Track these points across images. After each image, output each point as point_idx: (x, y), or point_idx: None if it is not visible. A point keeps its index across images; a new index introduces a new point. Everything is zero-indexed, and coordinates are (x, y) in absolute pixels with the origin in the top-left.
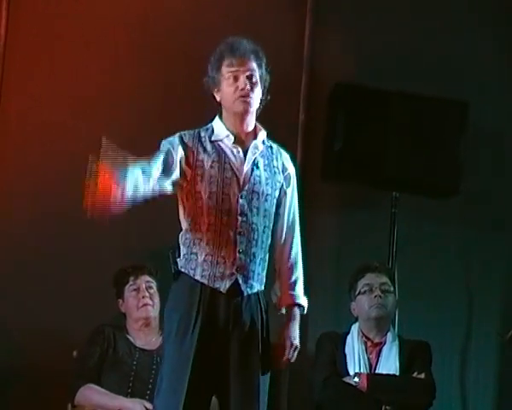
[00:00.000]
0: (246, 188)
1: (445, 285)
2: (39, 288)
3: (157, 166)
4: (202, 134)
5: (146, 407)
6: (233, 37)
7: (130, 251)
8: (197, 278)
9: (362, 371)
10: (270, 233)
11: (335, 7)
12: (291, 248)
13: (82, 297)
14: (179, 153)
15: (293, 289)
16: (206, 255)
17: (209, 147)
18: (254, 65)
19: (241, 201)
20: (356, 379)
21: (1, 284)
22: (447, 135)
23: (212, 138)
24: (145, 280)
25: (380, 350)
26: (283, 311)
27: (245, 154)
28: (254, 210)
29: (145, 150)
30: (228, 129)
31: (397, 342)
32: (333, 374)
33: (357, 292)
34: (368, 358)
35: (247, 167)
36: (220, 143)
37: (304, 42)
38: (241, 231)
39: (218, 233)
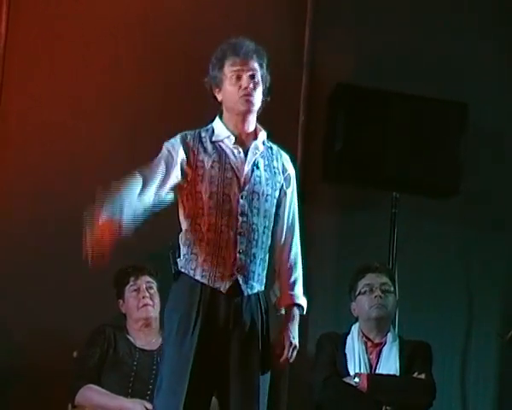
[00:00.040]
0: (246, 188)
1: (445, 285)
2: (39, 288)
3: (154, 181)
4: (203, 134)
5: (146, 408)
6: (235, 37)
7: (130, 251)
8: (197, 278)
9: (362, 371)
10: (270, 234)
11: (335, 7)
12: (290, 248)
13: (82, 297)
14: (180, 155)
15: (293, 290)
16: (206, 256)
17: (209, 147)
18: (256, 65)
19: (241, 201)
20: (356, 379)
21: (1, 284)
22: (447, 135)
23: (213, 139)
24: (145, 280)
25: (380, 350)
26: (283, 311)
27: (245, 154)
28: (255, 210)
29: (145, 150)
30: (228, 129)
31: (397, 342)
32: (333, 374)
33: (357, 292)
34: (368, 358)
35: (247, 168)
36: (221, 143)
37: (304, 42)
38: (242, 232)
39: (218, 233)
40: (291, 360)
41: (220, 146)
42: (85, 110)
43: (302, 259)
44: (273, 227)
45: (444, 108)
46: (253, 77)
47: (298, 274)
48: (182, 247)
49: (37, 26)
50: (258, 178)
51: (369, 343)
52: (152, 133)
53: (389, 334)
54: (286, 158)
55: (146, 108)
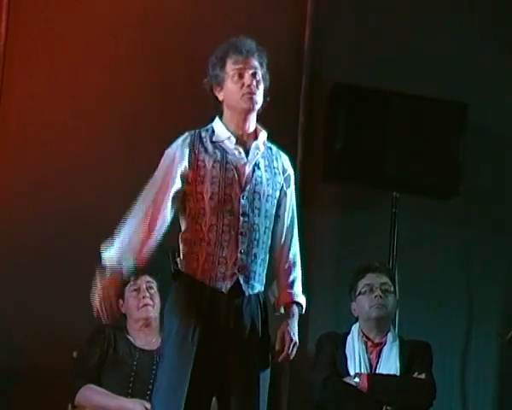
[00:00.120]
0: (247, 189)
1: (445, 285)
2: (39, 288)
3: (153, 214)
4: (203, 134)
5: (146, 408)
6: (235, 37)
7: None
8: (198, 278)
9: (362, 371)
10: (270, 234)
11: (335, 7)
12: (290, 248)
13: (82, 297)
14: (180, 165)
15: (292, 288)
16: (207, 255)
17: (210, 147)
18: (257, 63)
19: (242, 201)
20: (356, 379)
21: (1, 284)
22: (447, 135)
23: (213, 139)
24: (145, 280)
25: (380, 350)
26: (282, 310)
27: (246, 154)
28: (256, 211)
29: (145, 150)
30: (229, 130)
31: (397, 342)
32: (333, 374)
33: (357, 292)
34: (368, 358)
35: (248, 168)
36: (221, 143)
37: (304, 42)
38: (243, 232)
39: (219, 233)
40: (291, 357)
41: (221, 146)
42: (85, 110)
43: (302, 259)
44: (273, 227)
45: (444, 108)
46: (254, 75)
47: (297, 274)
48: (182, 246)
49: (37, 26)
50: (259, 179)
51: (370, 343)
52: (152, 133)
53: (389, 334)
54: (285, 158)
55: (146, 108)
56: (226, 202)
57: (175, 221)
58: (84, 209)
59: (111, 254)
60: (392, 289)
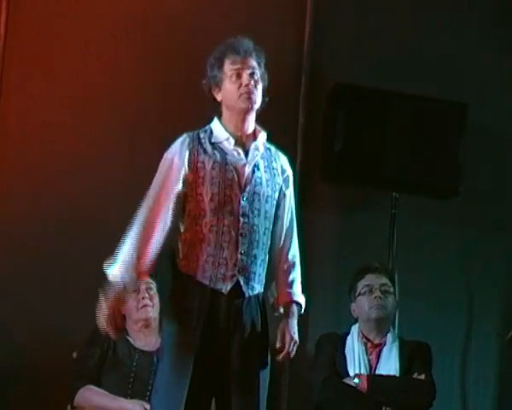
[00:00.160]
0: (247, 190)
1: (445, 286)
2: (39, 288)
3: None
4: (201, 135)
5: (145, 408)
6: (233, 37)
7: None
8: (198, 279)
9: (362, 372)
10: (269, 235)
11: (335, 7)
12: (289, 249)
13: (82, 297)
14: (180, 168)
15: (291, 288)
16: (207, 256)
17: (209, 148)
18: (255, 63)
19: (242, 202)
20: (356, 380)
21: (1, 284)
22: (447, 135)
23: (212, 140)
24: (145, 281)
25: (380, 351)
26: (281, 310)
27: (245, 155)
28: (255, 212)
29: (145, 150)
30: (228, 131)
31: (397, 343)
32: (332, 375)
33: (357, 293)
34: (368, 359)
35: (248, 169)
36: (220, 144)
37: (304, 42)
38: (243, 233)
39: (219, 234)
40: (291, 355)
41: (220, 147)
42: (85, 110)
43: (302, 259)
44: (272, 228)
45: (444, 108)
46: (252, 75)
47: (296, 274)
48: (181, 247)
49: (37, 25)
50: (258, 180)
51: (369, 344)
52: (152, 133)
53: (389, 335)
54: (284, 159)
55: (146, 108)
56: (226, 203)
57: (175, 222)
58: (84, 209)
59: (114, 271)
60: (391, 290)
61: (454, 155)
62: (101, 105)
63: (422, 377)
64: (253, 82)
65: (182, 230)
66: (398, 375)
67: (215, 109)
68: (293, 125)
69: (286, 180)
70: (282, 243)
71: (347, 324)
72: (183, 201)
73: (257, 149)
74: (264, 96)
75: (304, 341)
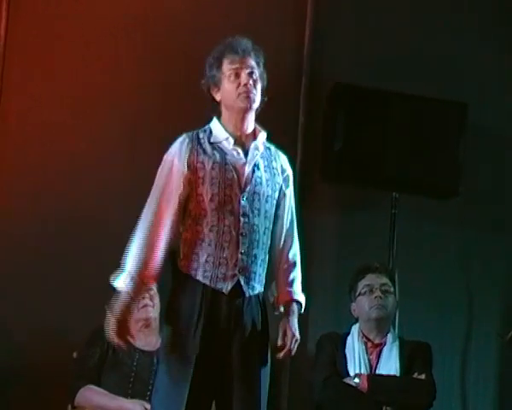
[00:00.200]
0: (247, 189)
1: (445, 286)
2: (39, 288)
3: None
4: (201, 135)
5: (146, 408)
6: (232, 37)
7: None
8: (199, 278)
9: (362, 371)
10: (270, 234)
11: (335, 7)
12: (289, 248)
13: (82, 297)
14: (181, 171)
15: (291, 287)
16: (208, 256)
17: (209, 148)
18: (254, 63)
19: (242, 202)
20: (356, 380)
21: (1, 284)
22: (447, 135)
23: (212, 140)
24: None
25: (380, 351)
26: (281, 309)
27: (245, 155)
28: (255, 211)
29: (145, 150)
30: (227, 131)
31: (397, 342)
32: (333, 374)
33: (357, 293)
34: (368, 359)
35: (248, 169)
36: (219, 144)
37: (304, 42)
38: (244, 232)
39: (220, 234)
40: (293, 353)
41: (219, 147)
42: (85, 110)
43: (302, 259)
44: (272, 228)
45: (444, 108)
46: (251, 74)
47: (296, 273)
48: (182, 247)
49: (37, 26)
50: (258, 179)
51: (370, 344)
52: (152, 133)
53: (389, 334)
54: (284, 159)
55: (146, 108)
56: (226, 202)
57: None
58: (84, 209)
59: (120, 283)
60: (392, 289)
61: (454, 155)
62: (101, 105)
63: (423, 376)
64: (251, 81)
65: (182, 230)
66: (398, 375)
67: (214, 109)
68: (293, 125)
69: (286, 180)
70: (282, 242)
71: (347, 323)
72: (183, 201)
73: (257, 148)
74: (263, 95)
75: (304, 341)
